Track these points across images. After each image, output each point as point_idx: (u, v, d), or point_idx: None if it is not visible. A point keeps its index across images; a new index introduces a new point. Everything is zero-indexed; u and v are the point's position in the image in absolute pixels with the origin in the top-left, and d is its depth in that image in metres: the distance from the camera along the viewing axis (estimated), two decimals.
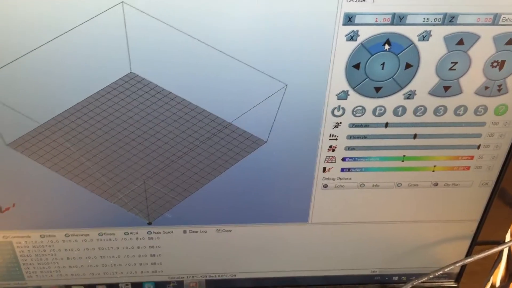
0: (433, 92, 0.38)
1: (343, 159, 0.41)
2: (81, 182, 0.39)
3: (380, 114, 0.39)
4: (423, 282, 0.49)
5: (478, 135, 0.40)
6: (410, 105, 0.39)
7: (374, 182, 0.43)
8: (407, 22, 0.34)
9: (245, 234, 0.45)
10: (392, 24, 0.34)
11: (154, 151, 0.39)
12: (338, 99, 0.38)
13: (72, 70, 0.35)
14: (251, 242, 0.46)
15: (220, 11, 0.33)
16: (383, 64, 0.36)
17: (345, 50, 0.35)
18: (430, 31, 0.35)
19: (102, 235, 0.44)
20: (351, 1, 0.33)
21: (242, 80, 0.36)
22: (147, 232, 0.44)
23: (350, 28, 0.34)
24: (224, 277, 0.48)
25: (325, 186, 0.42)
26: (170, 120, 0.37)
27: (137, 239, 0.44)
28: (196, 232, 0.45)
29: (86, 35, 0.33)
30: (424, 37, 0.35)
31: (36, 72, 0.34)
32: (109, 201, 0.41)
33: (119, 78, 0.35)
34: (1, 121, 0.36)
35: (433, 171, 0.42)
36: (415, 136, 0.40)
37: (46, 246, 0.44)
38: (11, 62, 0.34)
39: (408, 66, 0.36)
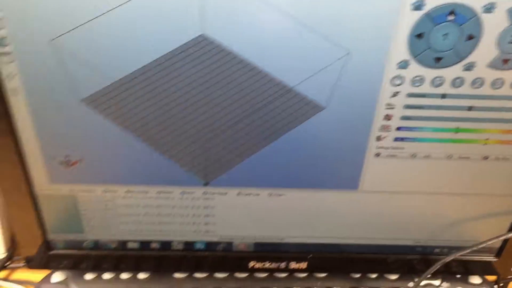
0: (492, 65, 0.39)
1: (398, 129, 0.42)
2: (146, 139, 0.41)
3: (438, 85, 0.40)
4: (463, 255, 0.50)
5: None
6: (469, 76, 0.39)
7: (426, 153, 0.44)
8: None
9: (296, 199, 0.47)
10: None
11: (217, 113, 0.40)
12: (398, 68, 0.39)
13: (146, 30, 0.36)
14: (301, 207, 0.47)
15: None
16: (445, 34, 0.37)
17: (409, 19, 0.36)
18: (495, 3, 0.36)
19: (161, 193, 0.45)
20: None
21: (307, 45, 0.37)
22: (203, 193, 0.46)
23: None
24: (272, 241, 0.50)
25: (378, 154, 0.44)
26: (234, 82, 0.39)
27: (192, 199, 0.46)
28: (249, 194, 0.46)
29: None
30: (489, 9, 0.36)
31: (112, 31, 0.36)
32: (170, 159, 0.42)
33: (190, 40, 0.36)
34: (76, 78, 0.38)
35: (485, 144, 0.43)
36: (470, 108, 0.41)
37: (108, 201, 0.46)
38: (89, 21, 0.35)
39: (470, 37, 0.37)
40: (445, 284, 0.53)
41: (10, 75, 0.37)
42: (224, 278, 0.52)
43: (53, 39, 0.36)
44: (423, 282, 0.53)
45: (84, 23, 0.35)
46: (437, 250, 0.52)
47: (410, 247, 0.52)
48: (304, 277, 0.53)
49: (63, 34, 0.35)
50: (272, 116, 0.41)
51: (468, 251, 0.48)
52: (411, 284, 0.53)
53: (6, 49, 0.36)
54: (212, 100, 0.40)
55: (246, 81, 0.39)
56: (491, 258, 0.53)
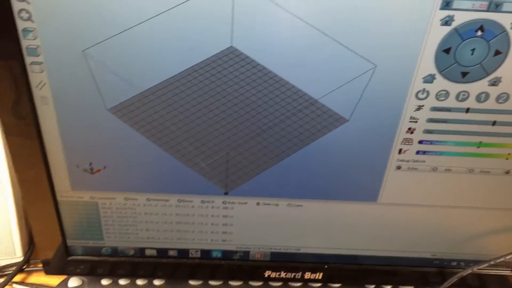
0: None
1: (420, 142, 0.42)
2: (168, 149, 0.41)
3: (463, 99, 0.40)
4: (480, 269, 0.49)
5: None
6: (494, 92, 0.39)
7: (447, 167, 0.44)
8: (503, 9, 0.35)
9: (314, 210, 0.47)
10: (488, 10, 0.35)
11: (241, 123, 0.40)
12: (424, 82, 0.39)
13: (176, 42, 0.36)
14: (319, 218, 0.47)
15: None
16: (473, 49, 0.37)
17: (438, 34, 0.36)
18: None
19: (181, 201, 0.46)
20: None
21: (333, 58, 0.38)
22: (223, 202, 0.46)
23: (446, 13, 0.35)
24: (289, 251, 0.50)
25: (399, 167, 0.44)
26: (260, 94, 0.39)
27: (212, 207, 0.46)
28: (269, 204, 0.46)
29: (193, 9, 0.35)
30: None
31: (142, 43, 0.36)
32: (191, 169, 0.42)
33: (219, 52, 0.36)
34: (105, 87, 0.38)
35: (507, 158, 0.43)
36: (494, 123, 0.41)
37: (128, 208, 0.46)
38: (121, 32, 0.36)
39: (497, 53, 0.37)
40: None
41: (40, 83, 0.37)
42: (239, 286, 0.52)
43: (85, 50, 0.36)
44: None
45: (116, 34, 0.35)
46: (454, 263, 0.52)
47: (427, 259, 0.51)
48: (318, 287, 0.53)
49: (94, 45, 0.36)
50: (295, 128, 0.41)
51: (485, 265, 0.48)
52: None
53: (38, 58, 0.37)
54: (236, 111, 0.40)
55: (272, 92, 0.39)
56: (508, 273, 0.52)
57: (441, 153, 0.43)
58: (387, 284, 0.54)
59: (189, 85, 0.38)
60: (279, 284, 0.53)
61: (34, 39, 0.36)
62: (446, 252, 0.51)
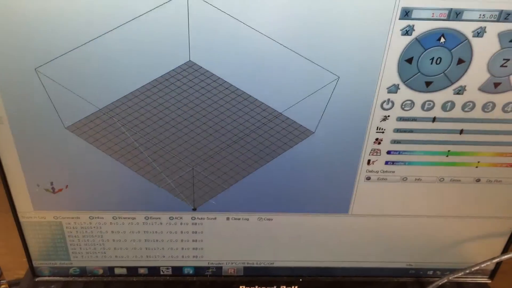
0: (483, 88, 0.38)
1: (388, 152, 0.42)
2: (132, 166, 0.40)
3: (429, 109, 0.39)
4: (457, 277, 0.49)
5: None
6: (459, 100, 0.39)
7: (417, 176, 0.43)
8: (463, 18, 0.35)
9: (286, 223, 0.46)
10: (448, 19, 0.35)
11: (204, 138, 0.40)
12: (388, 92, 0.38)
13: (133, 58, 0.36)
14: (291, 231, 0.47)
15: (277, 1, 0.33)
16: (435, 59, 0.37)
17: (399, 44, 0.36)
18: (485, 27, 0.35)
19: (148, 218, 0.45)
20: None
21: (296, 71, 0.37)
22: (191, 218, 0.45)
23: (406, 23, 0.35)
24: (262, 265, 0.49)
25: (368, 178, 0.43)
26: (222, 108, 0.38)
27: (181, 224, 0.45)
28: (239, 219, 0.45)
29: (150, 23, 0.34)
30: (479, 33, 0.36)
31: (98, 59, 0.36)
32: (157, 185, 0.42)
33: (178, 66, 0.36)
34: (61, 105, 0.37)
35: (477, 167, 0.43)
36: (461, 132, 0.41)
37: (94, 227, 0.45)
38: (74, 49, 0.35)
39: (460, 61, 0.37)
40: None
41: None
42: None
43: (37, 68, 0.35)
44: None
45: (69, 52, 0.34)
46: (430, 272, 0.51)
47: (403, 269, 0.51)
48: None
49: (47, 63, 0.35)
50: (261, 141, 0.40)
51: (461, 273, 0.48)
52: None
53: None
54: (200, 125, 0.39)
55: (235, 106, 0.38)
56: (485, 280, 0.52)
57: (410, 163, 0.42)
58: None
59: (149, 100, 0.37)
60: None
61: None
62: (422, 261, 0.50)
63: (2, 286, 0.52)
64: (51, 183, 0.41)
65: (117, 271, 0.48)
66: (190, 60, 0.35)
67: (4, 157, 0.39)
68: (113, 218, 0.44)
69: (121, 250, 0.47)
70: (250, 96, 0.38)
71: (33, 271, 0.47)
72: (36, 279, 0.48)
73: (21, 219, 0.44)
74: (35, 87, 0.36)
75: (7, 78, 0.36)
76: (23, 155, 0.40)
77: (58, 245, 0.46)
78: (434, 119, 0.40)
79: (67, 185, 0.41)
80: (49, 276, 0.48)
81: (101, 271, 0.48)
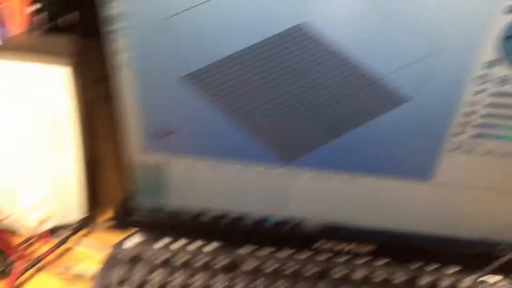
0: None
1: (478, 125, 0.43)
2: (235, 117, 0.44)
3: None
4: None
5: None
6: None
7: (503, 151, 0.45)
8: None
9: (370, 186, 0.49)
10: None
11: (304, 98, 0.43)
12: (486, 67, 0.40)
13: (250, 14, 0.39)
14: (374, 194, 0.49)
15: None
16: None
17: (502, 21, 0.38)
18: None
19: (242, 168, 0.48)
20: None
21: (398, 39, 0.39)
22: (281, 172, 0.48)
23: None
24: (342, 224, 0.52)
25: (455, 149, 0.45)
26: (326, 70, 0.41)
27: (272, 176, 0.48)
28: (325, 177, 0.48)
29: None
30: None
31: (218, 14, 0.40)
32: (257, 137, 0.45)
33: (288, 28, 0.39)
34: (181, 55, 0.41)
35: None
36: None
37: (196, 171, 0.49)
38: (201, 4, 0.38)
39: None
40: (505, 281, 0.54)
41: (122, 49, 0.41)
42: (292, 255, 0.54)
43: (166, 18, 0.39)
44: (483, 278, 0.54)
45: (197, 5, 0.38)
46: (500, 247, 0.53)
47: (474, 241, 0.52)
48: (363, 263, 0.55)
49: (176, 14, 0.38)
50: (357, 105, 0.43)
51: None
52: (471, 278, 0.54)
53: (121, 24, 0.40)
54: (301, 86, 0.42)
55: (337, 68, 0.41)
56: None
57: (498, 137, 0.44)
58: (432, 263, 0.55)
59: (258, 58, 0.41)
60: (329, 255, 0.55)
61: (119, 7, 0.40)
62: (494, 235, 0.52)
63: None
64: (161, 127, 0.45)
65: (205, 215, 0.52)
66: (301, 23, 0.39)
67: (124, 99, 0.44)
68: (211, 164, 0.48)
69: (213, 197, 0.51)
70: (351, 61, 0.40)
71: (129, 208, 0.52)
72: (132, 217, 0.52)
73: (130, 159, 0.48)
74: (162, 37, 0.41)
75: (137, 26, 0.40)
76: (141, 99, 0.44)
77: (158, 185, 0.50)
78: None
79: (175, 130, 0.45)
80: (143, 214, 0.52)
81: (192, 213, 0.52)
